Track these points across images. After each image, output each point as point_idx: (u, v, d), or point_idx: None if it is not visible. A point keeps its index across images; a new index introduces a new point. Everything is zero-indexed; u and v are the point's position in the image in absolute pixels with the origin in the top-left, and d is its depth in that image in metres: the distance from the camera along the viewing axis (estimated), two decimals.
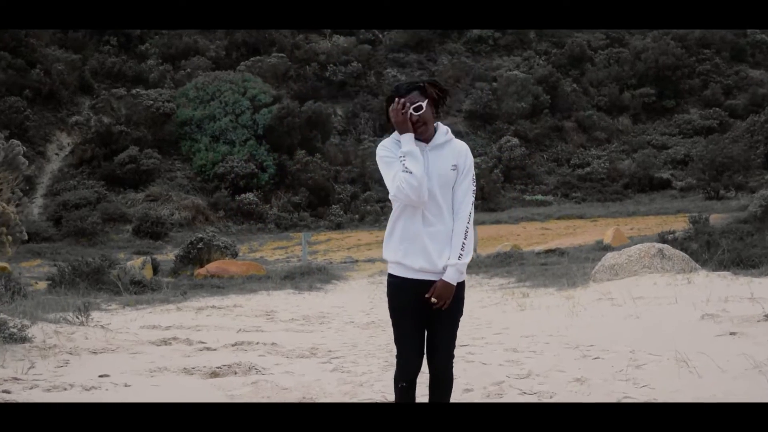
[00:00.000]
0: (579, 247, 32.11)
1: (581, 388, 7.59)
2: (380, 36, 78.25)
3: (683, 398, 6.77)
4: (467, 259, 4.91)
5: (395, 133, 4.94)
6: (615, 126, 72.75)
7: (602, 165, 66.20)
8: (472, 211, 4.99)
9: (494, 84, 73.36)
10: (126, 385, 7.83)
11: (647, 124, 73.44)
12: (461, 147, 5.02)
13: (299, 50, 73.91)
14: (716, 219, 30.72)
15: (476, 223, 43.66)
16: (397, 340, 4.99)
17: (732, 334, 9.27)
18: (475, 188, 5.01)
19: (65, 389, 7.39)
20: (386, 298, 5.10)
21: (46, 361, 8.99)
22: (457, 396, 7.53)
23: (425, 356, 5.01)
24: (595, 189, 63.37)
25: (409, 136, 4.80)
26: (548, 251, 30.93)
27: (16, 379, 7.75)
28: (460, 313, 5.04)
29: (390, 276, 5.02)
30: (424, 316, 4.93)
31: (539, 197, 61.41)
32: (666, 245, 17.61)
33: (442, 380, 5.07)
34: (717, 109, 72.27)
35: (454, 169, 4.91)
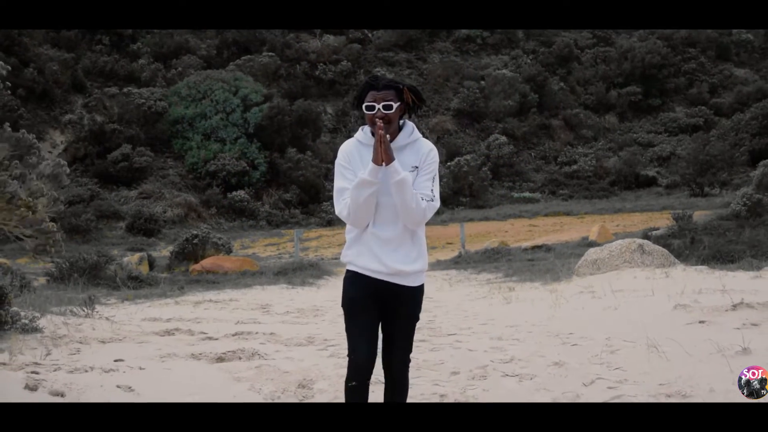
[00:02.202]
0: (565, 243, 32.26)
1: (559, 371, 8.23)
2: (369, 35, 78.51)
3: (652, 380, 7.40)
4: (399, 177, 4.67)
5: (359, 133, 4.94)
6: (602, 124, 73.09)
7: (589, 163, 66.58)
8: (430, 207, 4.78)
9: (482, 82, 73.58)
10: (140, 368, 8.38)
11: (633, 122, 73.85)
12: (424, 147, 4.90)
13: (289, 49, 73.97)
14: (700, 216, 31.15)
15: (465, 220, 44.33)
16: (349, 336, 4.90)
17: (701, 322, 9.87)
18: (435, 186, 4.85)
19: (86, 371, 7.94)
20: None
21: (60, 349, 9.44)
22: (444, 378, 8.17)
23: (381, 360, 4.99)
24: (582, 186, 63.73)
25: (374, 168, 4.67)
26: (535, 247, 31.03)
27: (36, 363, 8.17)
28: (416, 318, 5.03)
29: (346, 271, 4.99)
30: (377, 316, 4.91)
31: (527, 194, 61.59)
32: (646, 241, 18.10)
33: (397, 384, 5.04)
34: (702, 107, 72.82)
35: (413, 171, 4.81)
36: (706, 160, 55.91)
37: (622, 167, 64.43)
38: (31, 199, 6.14)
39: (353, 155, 4.90)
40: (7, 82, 6.72)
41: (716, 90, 75.78)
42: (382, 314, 4.94)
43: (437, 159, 4.94)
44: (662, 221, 32.91)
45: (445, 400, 7.20)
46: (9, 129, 6.40)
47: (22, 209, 6.09)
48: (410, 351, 5.04)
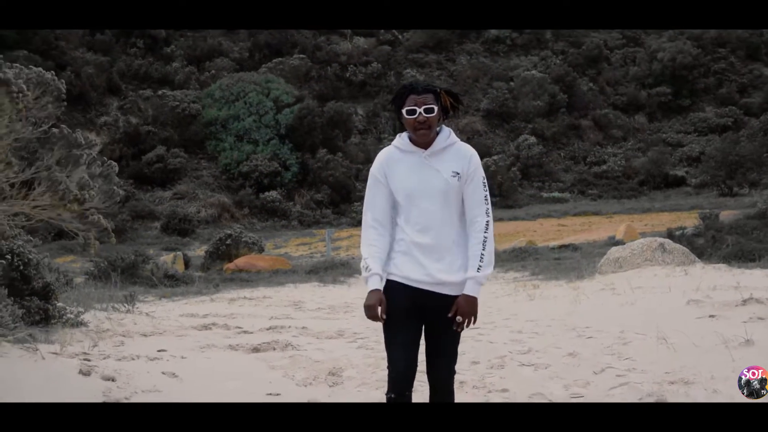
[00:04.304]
0: (592, 242, 32.39)
1: (572, 361, 8.76)
2: (399, 37, 78.75)
3: (658, 369, 7.89)
4: (488, 270, 4.65)
5: (397, 140, 4.78)
6: (631, 124, 72.69)
7: (618, 162, 66.28)
8: (490, 220, 4.72)
9: (511, 83, 73.53)
10: (182, 357, 8.98)
11: (663, 122, 73.33)
12: (465, 151, 4.73)
13: (320, 51, 74.27)
14: (727, 215, 31.14)
15: (495, 220, 43.97)
16: (388, 348, 4.69)
17: (711, 316, 10.27)
18: (487, 193, 4.73)
19: (133, 359, 8.52)
20: None
21: (105, 342, 9.92)
22: (464, 367, 8.65)
23: (426, 371, 4.76)
24: (611, 186, 63.46)
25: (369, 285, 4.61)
26: (562, 246, 31.18)
27: (85, 353, 8.64)
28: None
29: (386, 281, 4.70)
30: (418, 327, 4.71)
31: (556, 194, 61.51)
32: (667, 240, 18.37)
33: (441, 396, 4.78)
34: (732, 107, 72.20)
35: (455, 176, 4.64)
36: (735, 160, 55.56)
37: (651, 167, 63.97)
38: (79, 192, 6.75)
39: (389, 164, 4.73)
40: (63, 93, 7.37)
41: (746, 90, 75.08)
42: (424, 324, 4.72)
43: (479, 162, 4.79)
44: (690, 221, 32.85)
45: (464, 387, 7.68)
46: (66, 129, 7.03)
47: (73, 203, 6.69)
48: (455, 361, 4.79)
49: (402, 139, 4.76)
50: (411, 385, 4.65)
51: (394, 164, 4.72)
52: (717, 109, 72.75)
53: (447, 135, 4.72)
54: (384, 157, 4.77)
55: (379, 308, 4.53)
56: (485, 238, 4.65)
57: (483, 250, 4.63)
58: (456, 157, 4.70)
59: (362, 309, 4.65)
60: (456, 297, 4.63)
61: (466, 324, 4.57)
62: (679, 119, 73.11)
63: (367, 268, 4.62)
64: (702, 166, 61.67)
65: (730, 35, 77.93)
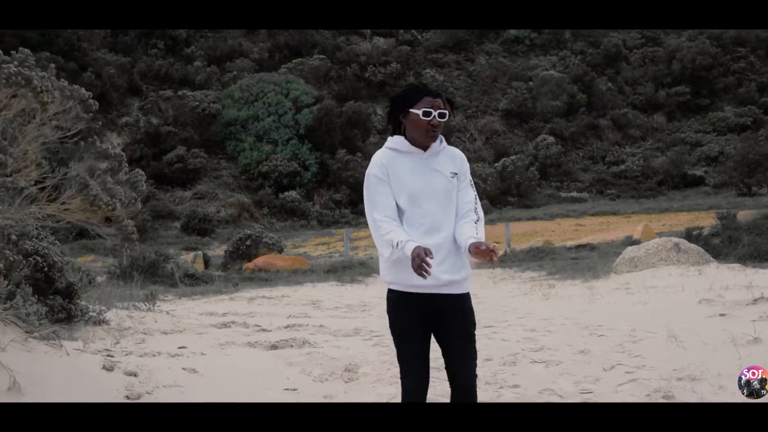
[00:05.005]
0: (610, 242, 32.36)
1: (583, 358, 8.94)
2: (419, 37, 78.83)
3: (666, 366, 8.06)
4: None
5: (394, 142, 4.71)
6: (650, 124, 72.35)
7: (637, 162, 66.10)
8: (481, 219, 4.71)
9: (530, 83, 73.46)
10: (202, 354, 9.21)
11: (682, 122, 72.92)
12: (457, 153, 4.79)
13: (340, 52, 74.47)
14: (744, 215, 31.07)
15: (512, 219, 44.52)
16: (400, 361, 4.64)
17: (721, 315, 10.38)
18: (476, 194, 4.78)
19: (154, 356, 8.74)
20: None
21: (126, 339, 10.14)
22: (477, 364, 8.89)
23: (446, 373, 4.69)
24: (630, 186, 63.30)
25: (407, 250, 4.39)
26: (579, 246, 31.21)
27: (108, 350, 8.87)
28: (472, 324, 4.73)
29: (389, 291, 4.70)
30: (428, 335, 4.67)
31: (574, 194, 61.47)
32: (682, 240, 18.41)
33: (466, 394, 4.65)
34: (751, 106, 71.75)
35: (453, 177, 4.67)
36: (754, 159, 55.33)
37: (669, 167, 63.78)
38: (110, 199, 7.00)
39: (389, 165, 4.64)
40: (92, 100, 7.61)
41: (765, 89, 74.34)
42: (434, 331, 4.67)
43: (468, 163, 4.84)
44: (708, 221, 32.78)
45: (477, 384, 7.88)
46: (98, 141, 7.29)
47: (103, 209, 6.94)
48: (476, 358, 4.72)
49: (397, 141, 4.70)
50: (424, 398, 4.63)
51: (394, 166, 4.64)
52: (736, 108, 72.26)
53: (441, 139, 4.73)
54: (382, 158, 4.68)
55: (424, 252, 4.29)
56: (477, 223, 4.64)
57: (477, 228, 4.62)
58: (450, 159, 4.72)
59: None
60: (460, 294, 4.64)
61: (495, 254, 4.37)
62: (698, 119, 72.74)
63: (398, 243, 4.43)
64: (721, 166, 61.54)
65: (750, 35, 77.50)
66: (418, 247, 4.32)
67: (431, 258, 4.27)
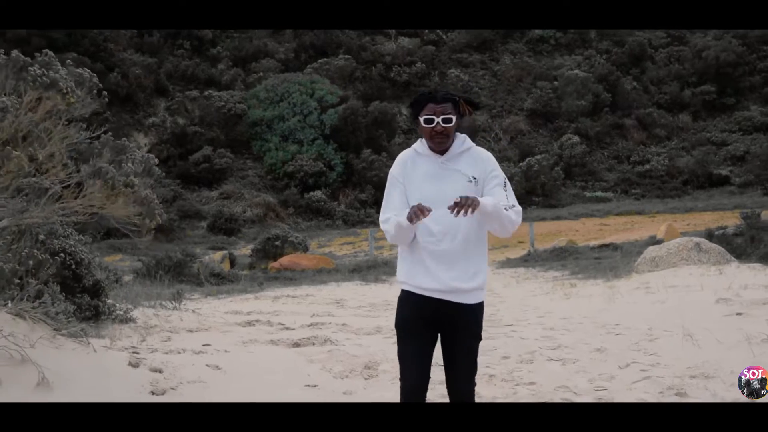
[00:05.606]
0: (634, 242, 32.35)
1: (600, 356, 9.11)
2: (444, 37, 78.81)
3: (681, 364, 8.21)
4: (501, 210, 4.49)
5: (418, 144, 4.74)
6: (675, 123, 71.93)
7: (662, 162, 65.72)
8: (511, 198, 4.60)
9: (555, 83, 73.30)
10: (226, 351, 9.40)
11: (707, 121, 72.42)
12: (481, 155, 4.70)
13: (365, 52, 74.54)
14: None
15: (536, 219, 44.44)
16: (400, 361, 4.64)
17: (738, 314, 10.46)
18: (508, 194, 4.62)
19: (179, 353, 8.95)
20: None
21: (152, 337, 10.38)
22: (495, 361, 9.03)
23: (446, 384, 4.70)
24: (655, 185, 63.01)
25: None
26: (603, 246, 31.22)
27: (134, 347, 9.04)
28: (478, 337, 4.69)
29: (401, 291, 4.72)
30: (432, 339, 4.64)
31: (599, 194, 61.37)
32: (703, 239, 18.43)
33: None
34: None
35: (472, 182, 4.59)
36: None
37: (695, 166, 63.48)
38: (126, 178, 7.17)
39: (408, 167, 4.68)
40: (104, 91, 7.82)
41: None
42: (441, 336, 4.66)
43: (497, 164, 4.74)
44: (733, 220, 32.66)
45: (494, 380, 8.04)
46: (111, 137, 7.48)
47: (122, 188, 7.10)
48: (475, 373, 4.71)
49: (421, 144, 4.72)
50: (423, 398, 4.61)
51: (412, 168, 4.67)
52: (762, 107, 71.56)
53: (462, 141, 4.69)
54: (404, 159, 4.72)
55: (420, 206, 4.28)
56: (512, 210, 4.55)
57: (508, 207, 4.53)
58: (473, 162, 4.66)
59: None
60: (468, 305, 4.62)
61: (463, 208, 4.23)
62: (723, 118, 72.15)
63: (398, 222, 4.49)
64: (746, 166, 61.19)
65: None
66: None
67: (429, 210, 4.26)
